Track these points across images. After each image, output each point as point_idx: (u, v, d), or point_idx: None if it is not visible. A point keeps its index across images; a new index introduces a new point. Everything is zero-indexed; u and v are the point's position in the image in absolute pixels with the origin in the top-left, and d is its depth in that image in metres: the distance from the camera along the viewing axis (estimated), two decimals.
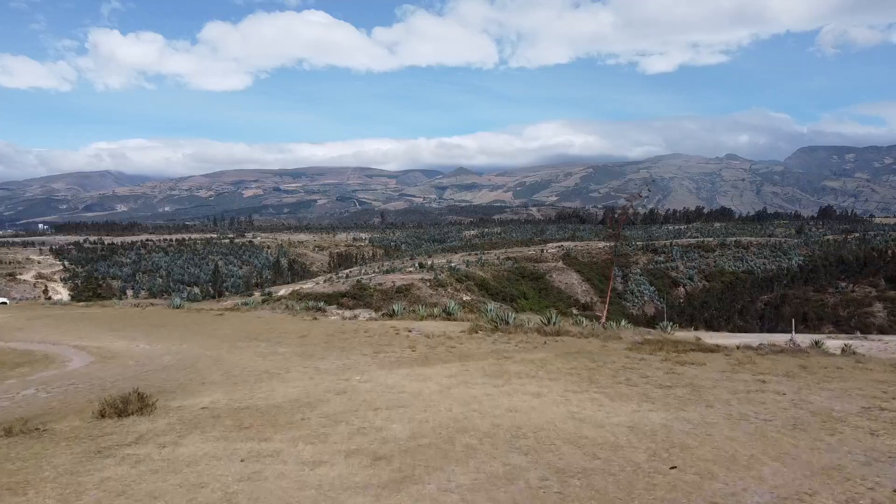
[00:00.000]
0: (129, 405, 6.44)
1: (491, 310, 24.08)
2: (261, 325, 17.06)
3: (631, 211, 21.63)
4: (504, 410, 6.31)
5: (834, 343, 19.54)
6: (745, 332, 79.28)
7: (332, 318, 24.98)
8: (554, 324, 14.70)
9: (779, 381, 7.70)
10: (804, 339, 18.31)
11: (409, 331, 15.76)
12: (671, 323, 28.38)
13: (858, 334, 31.29)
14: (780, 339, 24.68)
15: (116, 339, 14.06)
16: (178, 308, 29.58)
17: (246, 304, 32.22)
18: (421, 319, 21.66)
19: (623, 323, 18.50)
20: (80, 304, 32.62)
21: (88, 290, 73.35)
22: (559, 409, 6.37)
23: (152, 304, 34.75)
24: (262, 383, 8.37)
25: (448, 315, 22.58)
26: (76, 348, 12.52)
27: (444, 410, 6.35)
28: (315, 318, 20.47)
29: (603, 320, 20.54)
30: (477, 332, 14.79)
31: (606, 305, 21.32)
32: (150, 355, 11.29)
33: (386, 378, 8.35)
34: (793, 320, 18.21)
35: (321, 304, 29.65)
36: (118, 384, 8.46)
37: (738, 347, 14.54)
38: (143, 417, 6.30)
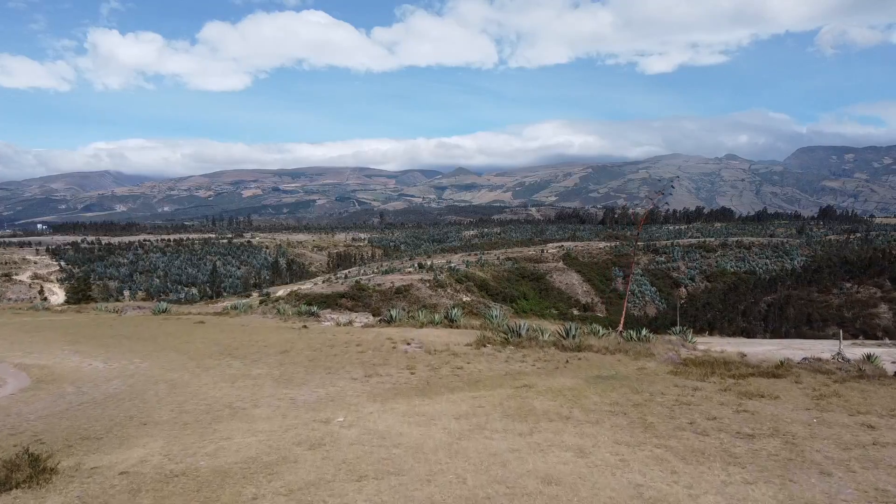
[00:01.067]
0: (16, 473, 4.61)
1: (496, 316, 22.25)
2: (241, 335, 15.21)
3: (655, 208, 19.80)
4: (540, 482, 4.48)
5: (881, 351, 17.70)
6: (750, 334, 77.73)
7: (325, 324, 23.15)
8: (573, 337, 12.87)
9: (892, 428, 5.88)
10: (851, 350, 16.41)
11: (408, 343, 13.91)
12: (685, 328, 26.50)
13: (887, 340, 29.45)
14: (810, 346, 22.81)
15: (71, 354, 12.21)
16: (162, 312, 27.77)
17: (235, 308, 30.37)
18: (421, 326, 19.85)
19: (643, 332, 16.63)
20: (57, 308, 30.69)
21: (78, 291, 71.33)
22: (617, 479, 4.53)
23: (140, 308, 32.91)
24: (218, 424, 6.53)
25: (451, 322, 20.75)
26: (17, 367, 10.69)
27: (456, 482, 4.51)
28: (304, 327, 18.60)
29: (620, 328, 18.70)
30: (485, 346, 12.97)
31: (624, 311, 19.41)
32: (98, 378, 9.45)
33: (377, 420, 6.51)
34: (840, 331, 16.31)
35: (314, 308, 27.75)
36: (36, 425, 6.63)
37: (781, 364, 12.72)
38: (30, 492, 4.47)
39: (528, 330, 13.49)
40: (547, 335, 13.58)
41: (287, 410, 7.12)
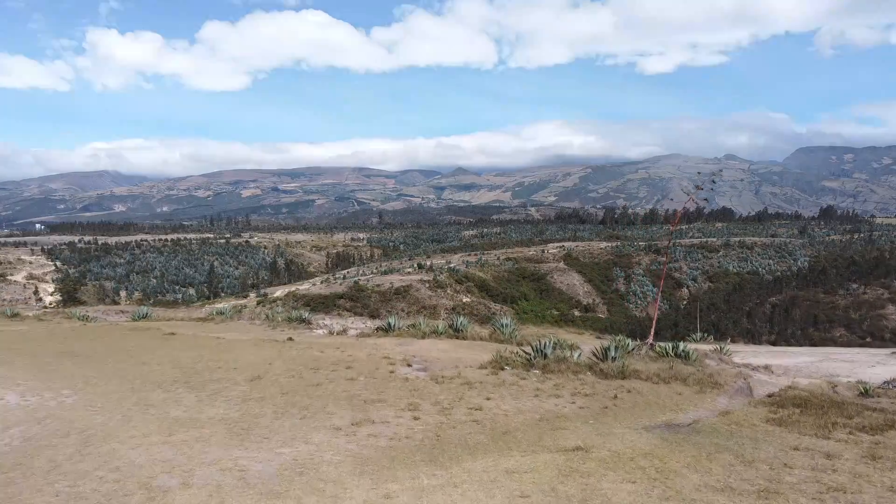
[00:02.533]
0: None
1: (506, 325, 19.82)
2: (211, 353, 12.80)
3: (692, 206, 17.40)
4: None
5: None
6: (755, 336, 75.50)
7: (317, 332, 20.73)
8: (613, 358, 10.47)
9: None
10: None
11: (409, 364, 11.53)
12: (705, 334, 24.16)
13: None
14: (853, 356, 20.46)
15: None
16: (142, 319, 25.38)
17: (221, 313, 27.95)
18: (423, 337, 17.47)
19: (682, 346, 14.23)
20: (29, 314, 28.23)
21: (66, 293, 69.05)
22: None
23: (122, 312, 30.50)
24: None
25: (456, 332, 18.36)
26: None
27: None
28: (290, 339, 16.16)
29: (650, 340, 16.30)
30: (503, 369, 10.59)
31: (654, 322, 16.97)
32: None
33: None
34: None
35: (305, 314, 25.25)
36: None
37: (865, 391, 10.34)
38: None
39: (554, 350, 11.08)
40: (577, 355, 11.22)
41: (228, 496, 4.73)
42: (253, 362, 11.55)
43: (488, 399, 8.08)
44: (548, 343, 11.49)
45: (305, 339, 16.89)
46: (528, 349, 12.02)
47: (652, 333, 17.43)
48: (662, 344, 15.94)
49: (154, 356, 12.36)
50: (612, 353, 10.74)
